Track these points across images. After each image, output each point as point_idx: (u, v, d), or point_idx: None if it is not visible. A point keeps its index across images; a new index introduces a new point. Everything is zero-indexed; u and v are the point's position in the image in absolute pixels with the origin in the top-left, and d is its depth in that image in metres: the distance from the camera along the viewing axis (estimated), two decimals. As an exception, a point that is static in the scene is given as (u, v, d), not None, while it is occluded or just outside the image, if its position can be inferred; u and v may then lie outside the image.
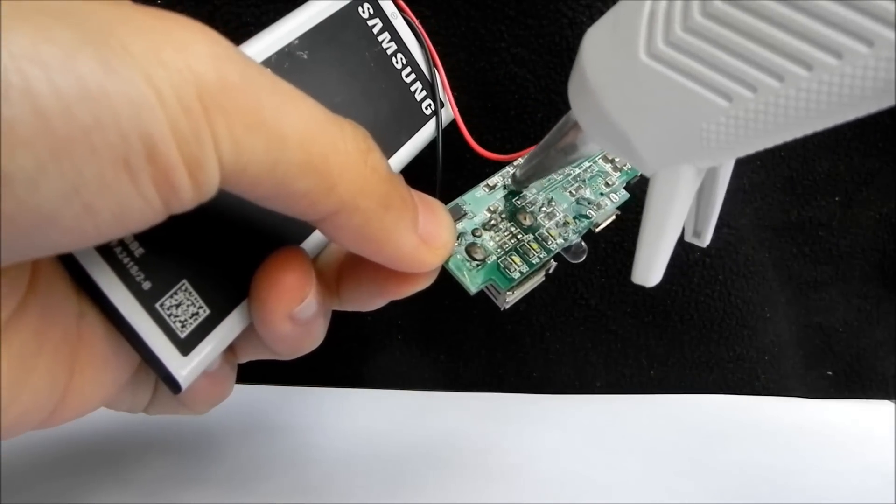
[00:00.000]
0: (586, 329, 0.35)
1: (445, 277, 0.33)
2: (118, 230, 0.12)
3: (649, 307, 0.34)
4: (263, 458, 0.29)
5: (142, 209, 0.12)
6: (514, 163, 0.22)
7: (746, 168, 0.33)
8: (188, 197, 0.12)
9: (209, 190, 0.13)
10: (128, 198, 0.12)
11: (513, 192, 0.21)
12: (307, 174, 0.14)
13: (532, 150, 0.20)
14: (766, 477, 0.29)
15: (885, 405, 0.36)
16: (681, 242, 0.36)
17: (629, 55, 0.14)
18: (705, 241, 0.19)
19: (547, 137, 0.19)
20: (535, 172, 0.20)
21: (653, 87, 0.14)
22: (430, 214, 0.17)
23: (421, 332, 0.35)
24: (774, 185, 0.34)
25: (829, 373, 0.37)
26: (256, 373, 0.35)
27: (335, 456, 0.30)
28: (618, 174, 0.22)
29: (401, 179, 0.16)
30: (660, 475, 0.29)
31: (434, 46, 0.22)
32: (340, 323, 0.35)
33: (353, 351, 0.35)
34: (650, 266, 0.16)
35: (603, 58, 0.15)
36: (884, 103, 0.12)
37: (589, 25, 0.15)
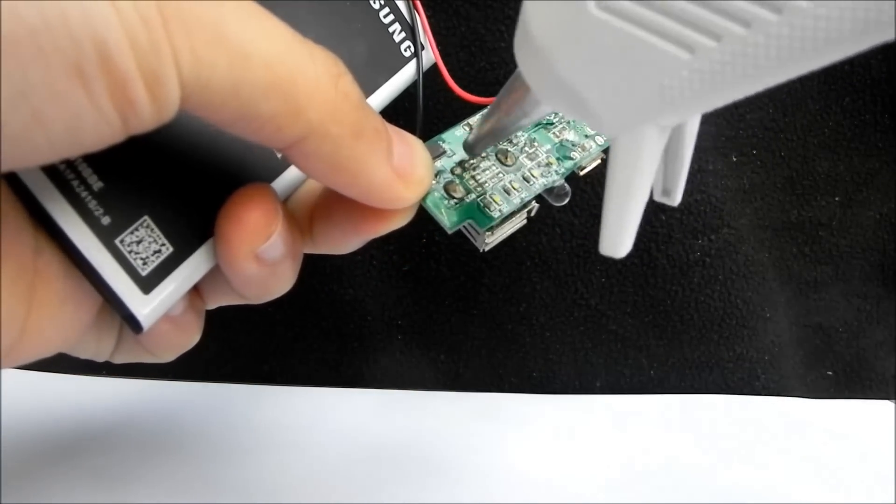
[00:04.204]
0: (586, 329, 0.35)
1: (446, 278, 0.33)
2: (72, 146, 0.12)
3: (649, 307, 0.34)
4: (263, 458, 0.29)
5: (97, 123, 0.12)
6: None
7: (746, 168, 0.33)
8: (147, 113, 0.12)
9: (169, 108, 0.12)
10: (81, 109, 0.11)
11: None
12: (273, 96, 0.13)
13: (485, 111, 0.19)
14: (765, 477, 0.29)
15: (885, 405, 0.36)
16: (681, 241, 0.36)
17: (578, 7, 0.13)
18: (675, 199, 0.18)
19: (496, 100, 0.18)
20: (486, 137, 0.19)
21: (606, 41, 0.13)
22: (406, 148, 0.17)
23: (421, 332, 0.35)
24: (774, 185, 0.34)
25: (829, 373, 0.37)
26: (257, 373, 0.35)
27: (335, 456, 0.30)
28: None
29: (375, 111, 0.16)
30: (660, 475, 0.29)
31: (434, 47, 0.22)
32: (340, 323, 0.35)
33: (353, 351, 0.35)
34: (618, 235, 0.15)
35: (549, 12, 0.13)
36: (861, 45, 0.11)
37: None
